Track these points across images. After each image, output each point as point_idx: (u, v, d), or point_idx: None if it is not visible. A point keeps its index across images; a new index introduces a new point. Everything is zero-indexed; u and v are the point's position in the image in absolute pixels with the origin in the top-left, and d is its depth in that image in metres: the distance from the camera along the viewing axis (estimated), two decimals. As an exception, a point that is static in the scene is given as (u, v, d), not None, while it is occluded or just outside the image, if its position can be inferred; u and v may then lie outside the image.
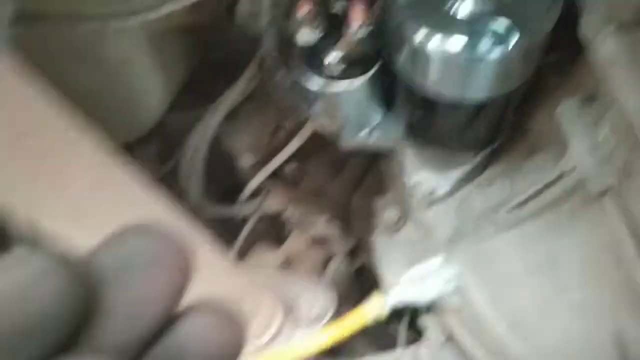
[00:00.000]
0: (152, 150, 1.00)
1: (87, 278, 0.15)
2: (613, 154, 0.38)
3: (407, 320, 0.90)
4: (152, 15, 0.57)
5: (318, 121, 0.57)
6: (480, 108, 0.48)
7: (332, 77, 0.49)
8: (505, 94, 0.45)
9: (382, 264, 0.70)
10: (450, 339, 0.79)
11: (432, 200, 0.61)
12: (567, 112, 0.42)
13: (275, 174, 0.90)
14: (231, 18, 0.65)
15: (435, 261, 0.16)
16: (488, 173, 0.59)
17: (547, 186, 0.46)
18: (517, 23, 0.40)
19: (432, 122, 0.53)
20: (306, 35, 0.49)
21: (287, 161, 0.86)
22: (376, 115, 0.57)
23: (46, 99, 0.37)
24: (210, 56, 0.87)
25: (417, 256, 0.66)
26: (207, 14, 0.70)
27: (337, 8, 0.50)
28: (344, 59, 0.50)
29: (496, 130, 0.53)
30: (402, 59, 0.46)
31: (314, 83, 0.49)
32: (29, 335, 0.14)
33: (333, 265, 0.89)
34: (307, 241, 0.92)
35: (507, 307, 0.57)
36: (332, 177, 0.89)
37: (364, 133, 0.58)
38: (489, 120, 0.50)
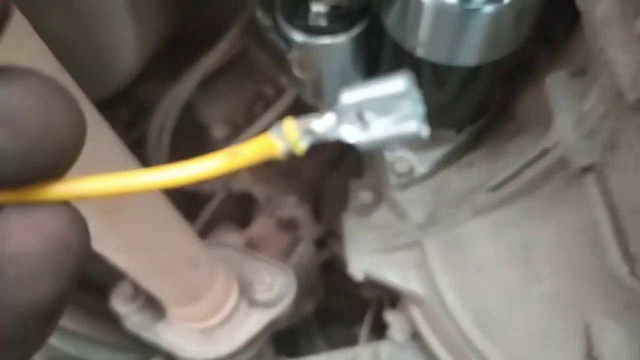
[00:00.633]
0: (121, 115, 0.98)
1: None
2: (598, 127, 0.38)
3: (370, 318, 0.90)
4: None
5: (298, 83, 0.56)
6: (468, 78, 0.48)
7: (317, 30, 0.49)
8: (494, 63, 0.45)
9: (350, 248, 0.69)
10: (413, 336, 0.79)
11: (409, 181, 0.61)
12: (555, 84, 0.42)
13: (248, 149, 0.89)
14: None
15: (397, 83, 0.13)
16: (469, 156, 0.59)
17: (528, 164, 0.46)
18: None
19: (416, 93, 0.53)
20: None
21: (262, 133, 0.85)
22: (358, 81, 0.57)
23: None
24: (188, 27, 0.86)
25: (388, 240, 0.66)
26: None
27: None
28: (330, 13, 0.49)
29: (482, 107, 0.53)
30: (392, 13, 0.45)
31: (297, 33, 0.48)
32: None
33: (299, 251, 0.88)
34: (274, 224, 0.91)
35: (475, 296, 0.57)
36: (306, 156, 0.89)
37: (344, 100, 0.58)
38: (475, 94, 0.50)
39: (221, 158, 0.15)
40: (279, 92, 0.84)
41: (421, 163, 0.60)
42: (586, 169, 0.41)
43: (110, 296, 0.73)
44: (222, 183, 0.92)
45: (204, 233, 0.93)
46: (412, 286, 0.64)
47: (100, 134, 0.44)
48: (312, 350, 1.08)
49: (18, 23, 0.34)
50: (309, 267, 0.91)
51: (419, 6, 0.41)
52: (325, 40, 0.49)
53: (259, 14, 0.49)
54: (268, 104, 0.85)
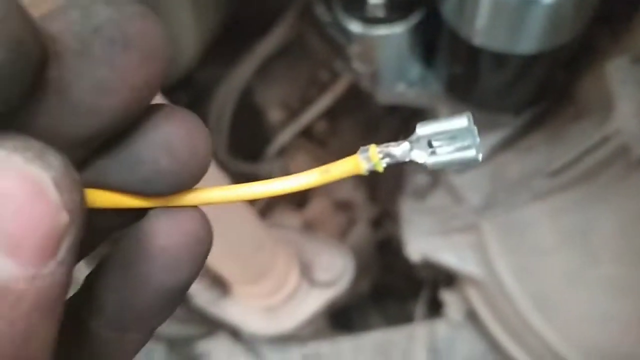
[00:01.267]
0: (181, 100, 1.02)
1: (38, 39, 0.13)
2: (661, 115, 0.38)
3: (426, 297, 0.92)
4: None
5: (354, 71, 0.58)
6: (526, 64, 0.48)
7: (374, 20, 0.50)
8: (554, 50, 0.45)
9: (407, 230, 0.71)
10: (469, 316, 0.81)
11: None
12: (616, 71, 0.42)
13: (305, 132, 0.92)
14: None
15: (462, 121, 0.17)
16: (527, 139, 0.59)
17: (589, 151, 0.47)
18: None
19: (474, 79, 0.54)
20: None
21: (317, 119, 0.87)
22: (415, 69, 0.58)
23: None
24: (245, 13, 0.88)
25: (444, 223, 0.67)
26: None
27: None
28: (387, 4, 0.50)
29: (541, 92, 0.54)
30: (450, 2, 0.46)
31: (355, 24, 0.50)
32: None
33: (355, 232, 0.90)
34: (330, 205, 0.94)
35: (533, 279, 0.58)
36: (362, 139, 0.90)
37: (401, 87, 0.59)
38: (534, 80, 0.51)
39: (316, 174, 0.19)
40: (334, 76, 0.86)
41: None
42: (648, 157, 0.41)
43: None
44: (280, 166, 0.95)
45: (263, 214, 0.97)
46: (469, 268, 0.66)
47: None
48: (367, 327, 1.11)
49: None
50: (365, 247, 0.94)
51: (477, -2, 0.42)
52: (383, 30, 0.51)
53: (319, 10, 0.50)
54: (323, 88, 0.87)
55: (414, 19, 0.51)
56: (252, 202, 0.94)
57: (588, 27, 0.45)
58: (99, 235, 0.21)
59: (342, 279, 0.77)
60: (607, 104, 0.44)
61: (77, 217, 0.15)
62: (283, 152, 0.96)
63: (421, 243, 0.70)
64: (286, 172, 0.95)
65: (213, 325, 0.93)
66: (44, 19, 0.15)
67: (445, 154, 0.18)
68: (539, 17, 0.41)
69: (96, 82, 0.15)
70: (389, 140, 0.19)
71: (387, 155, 0.18)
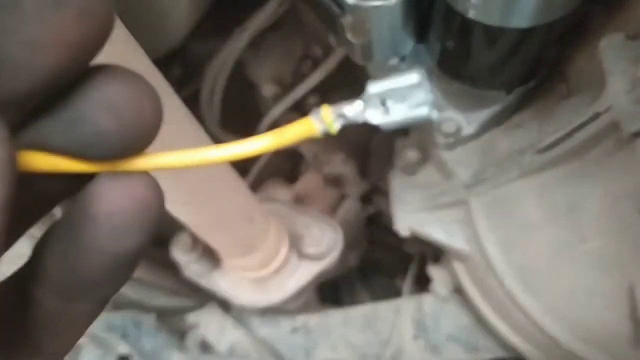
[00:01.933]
0: (173, 73, 1.01)
1: None
2: (652, 92, 0.38)
3: (413, 272, 0.93)
4: None
5: (347, 44, 0.57)
6: (519, 40, 0.47)
7: (368, -8, 0.49)
8: (547, 25, 0.44)
9: (397, 205, 0.71)
10: (456, 291, 0.81)
11: (456, 141, 0.61)
12: (609, 48, 0.42)
13: (297, 107, 0.90)
14: None
15: (413, 77, 0.17)
16: (518, 115, 0.58)
17: (579, 127, 0.46)
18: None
19: (466, 55, 0.53)
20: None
21: (309, 94, 0.86)
22: (407, 44, 0.57)
23: None
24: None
25: (433, 198, 0.67)
26: None
27: None
28: (382, -25, 0.49)
29: (533, 68, 0.53)
30: (444, -25, 0.45)
31: (349, -5, 0.49)
32: None
33: (345, 207, 0.90)
34: (321, 180, 0.94)
35: (519, 254, 0.58)
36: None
37: (393, 61, 0.58)
38: (527, 56, 0.50)
39: (270, 137, 0.19)
40: (327, 51, 0.84)
41: (468, 123, 0.60)
42: (637, 134, 0.40)
43: (170, 246, 0.78)
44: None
45: (254, 187, 0.97)
46: (456, 243, 0.66)
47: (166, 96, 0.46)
48: (354, 301, 1.12)
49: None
50: (354, 222, 0.94)
51: (473, -31, 0.41)
52: (377, 1, 0.49)
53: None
54: (316, 63, 0.86)
55: (409, -10, 0.50)
56: (242, 176, 0.94)
57: (582, 4, 0.44)
58: (43, 203, 0.20)
59: (331, 252, 0.77)
60: (599, 81, 0.44)
61: (5, 175, 0.14)
62: (275, 126, 0.95)
63: (410, 218, 0.69)
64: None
65: (203, 297, 0.93)
66: None
67: (398, 112, 0.17)
68: (534, -10, 0.40)
69: (26, 38, 0.14)
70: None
71: (341, 115, 0.18)
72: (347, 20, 0.50)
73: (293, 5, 0.82)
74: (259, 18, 0.84)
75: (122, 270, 0.19)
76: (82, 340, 0.86)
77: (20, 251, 0.22)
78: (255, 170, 0.96)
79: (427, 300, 0.84)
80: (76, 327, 0.20)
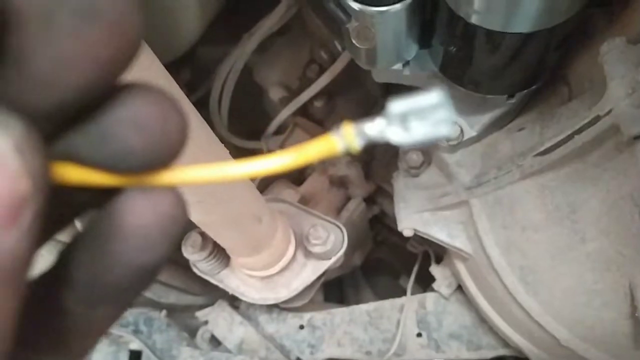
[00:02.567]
0: (183, 77, 1.01)
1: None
2: (653, 95, 0.37)
3: (416, 272, 0.92)
4: None
5: (352, 49, 0.57)
6: (521, 45, 0.47)
7: (373, -2, 0.48)
8: (549, 30, 0.44)
9: (400, 205, 0.71)
10: (458, 290, 0.81)
11: (458, 144, 0.61)
12: (610, 51, 0.41)
13: (303, 111, 0.90)
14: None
15: (434, 96, 0.16)
16: (520, 119, 0.58)
17: (580, 130, 0.46)
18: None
19: (469, 59, 0.52)
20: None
21: (315, 97, 0.86)
22: (412, 49, 0.57)
23: None
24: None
25: (436, 200, 0.67)
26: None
27: None
28: (387, -19, 0.49)
29: (535, 72, 0.52)
30: (447, -19, 0.45)
31: (354, 1, 0.48)
32: None
33: (350, 208, 0.89)
34: (326, 181, 0.93)
35: (520, 254, 0.57)
36: (359, 117, 0.89)
37: (397, 66, 0.58)
38: (528, 60, 0.50)
39: (291, 155, 0.18)
40: (333, 56, 0.84)
41: (471, 127, 0.60)
42: (637, 137, 0.40)
43: (181, 244, 0.78)
44: (279, 143, 0.94)
45: (262, 188, 0.96)
46: (458, 243, 0.65)
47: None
48: (358, 300, 1.12)
49: None
50: (359, 223, 0.93)
51: (476, -25, 0.41)
52: (382, 7, 0.49)
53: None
54: (322, 67, 0.85)
55: (413, -4, 0.49)
56: (250, 179, 0.94)
57: (584, 8, 0.43)
58: (70, 213, 0.20)
59: (336, 252, 0.77)
60: (600, 85, 0.43)
61: (39, 185, 0.14)
62: (282, 129, 0.95)
63: (413, 219, 0.69)
64: (284, 148, 0.94)
65: (213, 295, 0.93)
66: None
67: (419, 131, 0.17)
68: (535, -5, 0.39)
69: (58, 54, 0.14)
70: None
71: (362, 133, 0.17)
72: (352, 25, 0.49)
73: (300, 11, 0.81)
74: (266, 23, 0.84)
75: (145, 279, 0.19)
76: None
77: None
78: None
79: (429, 299, 0.84)
80: (98, 330, 0.21)
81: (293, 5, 0.82)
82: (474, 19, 0.46)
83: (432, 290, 0.83)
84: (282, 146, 0.95)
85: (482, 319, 0.76)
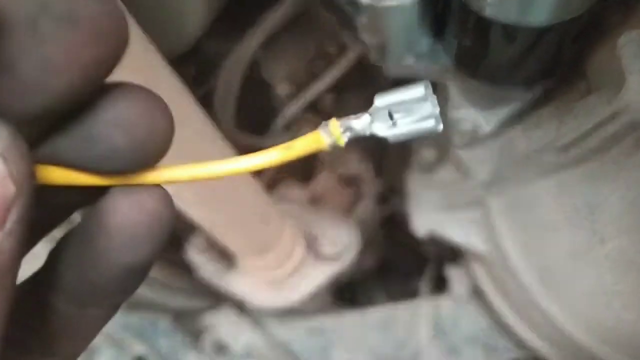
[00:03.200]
0: (188, 72, 1.02)
1: None
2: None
3: (430, 273, 0.93)
4: None
5: (362, 43, 0.58)
6: (537, 37, 0.48)
7: (384, -9, 0.50)
8: (566, 23, 0.45)
9: (414, 205, 0.72)
10: (474, 292, 0.82)
11: (474, 139, 0.62)
12: (628, 45, 0.42)
13: (311, 106, 0.91)
14: None
15: (419, 90, 0.17)
16: (537, 114, 0.59)
17: (598, 127, 0.47)
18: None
19: (484, 53, 0.53)
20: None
21: (324, 93, 0.87)
22: (424, 42, 0.58)
23: None
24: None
25: (451, 198, 0.68)
26: None
27: None
28: (397, -26, 0.50)
29: (551, 66, 0.53)
30: (460, -26, 0.46)
31: (364, -5, 0.50)
32: None
33: (361, 207, 0.91)
34: (336, 180, 0.95)
35: (539, 255, 0.58)
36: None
37: (409, 60, 0.59)
38: (544, 53, 0.50)
39: (278, 151, 0.19)
40: (341, 50, 0.85)
41: (486, 122, 0.61)
42: (657, 133, 0.41)
43: (185, 247, 0.79)
44: (286, 139, 0.95)
45: (269, 188, 0.98)
46: (475, 244, 0.66)
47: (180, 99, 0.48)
48: (370, 302, 1.13)
49: None
50: (370, 222, 0.94)
51: (489, -33, 0.42)
52: (392, 1, 0.50)
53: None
54: (330, 62, 0.87)
55: (425, -11, 0.50)
56: (257, 177, 0.95)
57: (600, 1, 0.44)
58: (60, 213, 0.21)
59: (347, 253, 0.78)
60: (618, 79, 0.44)
61: (24, 189, 0.15)
62: (289, 125, 0.96)
63: (427, 218, 0.70)
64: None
65: (218, 298, 0.95)
66: None
67: (405, 125, 0.18)
68: (551, -12, 0.40)
69: (43, 60, 0.15)
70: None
71: (348, 129, 0.18)
72: (362, 20, 0.51)
73: (307, 4, 0.83)
74: (273, 18, 0.85)
75: (133, 279, 0.20)
76: (98, 341, 0.88)
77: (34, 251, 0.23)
78: (270, 171, 0.97)
79: (444, 302, 0.85)
80: (88, 331, 0.22)
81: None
82: (487, 12, 0.47)
83: (447, 292, 0.85)
84: (289, 143, 0.97)
85: (499, 322, 0.77)
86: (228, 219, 0.62)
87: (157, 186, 0.19)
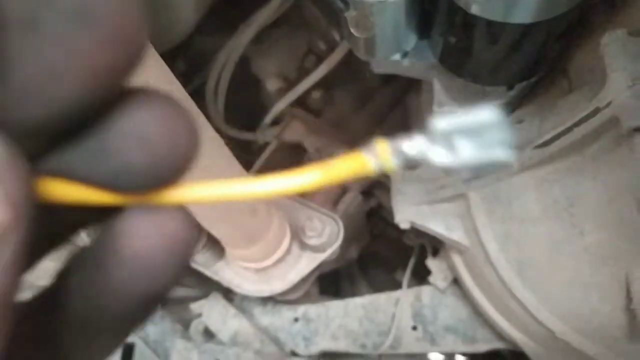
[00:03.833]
0: (179, 67, 1.00)
1: None
2: (653, 87, 0.37)
3: (412, 265, 0.92)
4: None
5: (350, 39, 0.56)
6: (522, 35, 0.47)
7: (372, -13, 0.48)
8: (550, 22, 0.44)
9: (397, 199, 0.71)
10: (453, 283, 0.81)
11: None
12: (611, 43, 0.41)
13: (300, 102, 0.90)
14: None
15: (487, 113, 0.13)
16: (519, 111, 0.58)
17: (579, 122, 0.46)
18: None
19: (469, 50, 0.52)
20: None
21: (313, 88, 0.86)
22: (410, 39, 0.57)
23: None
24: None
25: (433, 192, 0.67)
26: None
27: None
28: (386, -30, 0.48)
29: (535, 64, 0.52)
30: (447, -29, 0.45)
31: (352, -10, 0.48)
32: None
33: (347, 200, 0.89)
34: (323, 173, 0.93)
35: (517, 248, 0.58)
36: (356, 109, 0.89)
37: (396, 56, 0.57)
38: (528, 52, 0.49)
39: (318, 173, 0.16)
40: (331, 46, 0.84)
41: (470, 119, 0.60)
42: (637, 129, 0.40)
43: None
44: (275, 134, 0.94)
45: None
46: (455, 236, 0.65)
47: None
48: (354, 292, 1.12)
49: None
50: (356, 215, 0.93)
51: (477, -36, 0.40)
52: (381, -3, 0.49)
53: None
54: (320, 58, 0.85)
55: (412, -14, 0.49)
56: (245, 168, 0.94)
57: (584, 5, 0.43)
58: (65, 231, 0.18)
59: (332, 244, 0.77)
60: (600, 77, 0.43)
61: (23, 213, 0.12)
62: (279, 120, 0.94)
63: (410, 211, 0.69)
64: (280, 140, 0.94)
65: (207, 287, 0.93)
66: None
67: (468, 153, 0.14)
68: (537, -15, 0.39)
69: (45, 64, 0.12)
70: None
71: (399, 152, 0.15)
72: (350, 15, 0.49)
73: (297, 0, 0.81)
74: (263, 13, 0.84)
75: (149, 308, 0.17)
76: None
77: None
78: (258, 163, 0.95)
79: (425, 292, 0.84)
80: (94, 359, 0.19)
81: (290, -5, 0.81)
82: (474, 9, 0.46)
83: (428, 283, 0.84)
84: (278, 137, 0.95)
85: (478, 312, 0.76)
86: (217, 211, 0.60)
87: (178, 207, 0.16)
